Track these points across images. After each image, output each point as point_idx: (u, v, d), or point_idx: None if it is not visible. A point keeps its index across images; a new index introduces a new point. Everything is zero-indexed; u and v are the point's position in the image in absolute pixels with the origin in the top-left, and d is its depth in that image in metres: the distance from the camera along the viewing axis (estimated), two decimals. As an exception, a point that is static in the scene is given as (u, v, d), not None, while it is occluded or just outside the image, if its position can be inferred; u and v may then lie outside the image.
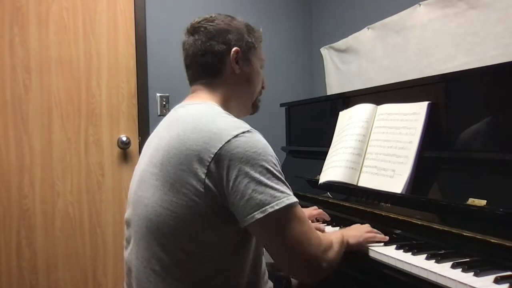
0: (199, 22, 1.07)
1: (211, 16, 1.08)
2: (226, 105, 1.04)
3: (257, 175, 0.85)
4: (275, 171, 0.88)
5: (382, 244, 1.11)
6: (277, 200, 0.85)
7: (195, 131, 0.90)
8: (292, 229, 0.86)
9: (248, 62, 1.08)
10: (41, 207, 2.08)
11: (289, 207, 0.86)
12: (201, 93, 1.05)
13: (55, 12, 2.10)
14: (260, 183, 0.85)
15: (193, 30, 1.06)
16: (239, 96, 1.09)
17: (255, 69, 1.10)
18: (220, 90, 1.05)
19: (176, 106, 1.06)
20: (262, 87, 1.17)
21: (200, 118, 0.94)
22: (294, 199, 0.88)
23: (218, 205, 0.88)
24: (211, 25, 1.05)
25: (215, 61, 1.04)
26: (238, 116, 1.00)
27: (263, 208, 0.84)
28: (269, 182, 0.85)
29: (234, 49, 1.04)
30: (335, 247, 0.95)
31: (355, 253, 1.09)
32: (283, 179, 0.90)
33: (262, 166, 0.86)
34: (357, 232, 1.12)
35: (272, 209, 0.84)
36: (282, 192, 0.86)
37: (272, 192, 0.85)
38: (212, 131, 0.88)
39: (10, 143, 2.03)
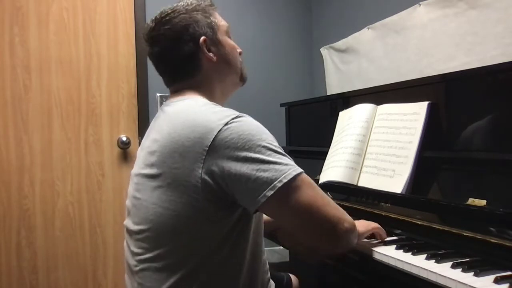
0: (153, 29, 1.03)
1: (162, 18, 1.02)
2: (211, 93, 1.04)
3: (257, 155, 0.85)
4: (273, 147, 0.87)
5: (382, 244, 1.11)
6: (284, 173, 0.84)
7: (185, 127, 0.89)
8: (305, 195, 0.86)
9: (218, 42, 1.05)
10: (41, 207, 2.08)
11: (297, 176, 0.86)
12: (185, 89, 1.04)
13: (55, 12, 2.10)
14: (263, 161, 0.84)
15: (152, 40, 1.04)
16: (223, 79, 1.08)
17: (227, 44, 1.08)
18: (204, 82, 1.05)
19: (162, 106, 1.05)
20: (240, 53, 1.13)
21: (187, 113, 0.93)
22: (299, 169, 0.87)
23: (216, 198, 0.88)
24: (168, 29, 1.01)
25: (191, 61, 1.03)
26: (227, 96, 1.00)
27: (272, 185, 0.83)
28: (271, 159, 0.85)
29: (201, 40, 1.02)
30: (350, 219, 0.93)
31: (355, 253, 1.09)
32: (283, 152, 0.89)
33: (259, 145, 0.86)
34: (364, 222, 1.11)
35: (281, 183, 0.83)
36: (286, 164, 0.86)
37: (277, 167, 0.85)
38: (201, 124, 0.88)
39: (10, 143, 2.03)
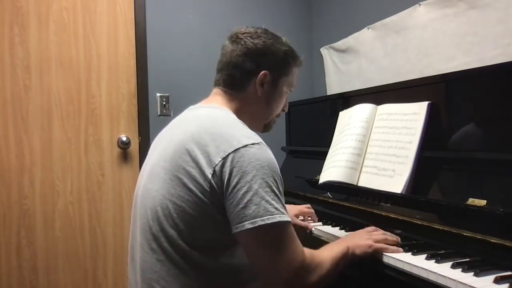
0: (243, 34, 1.07)
1: (256, 32, 1.08)
2: (238, 116, 1.06)
3: (255, 187, 0.87)
4: (274, 187, 0.89)
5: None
6: (269, 215, 0.86)
7: (208, 133, 0.92)
8: (274, 248, 0.87)
9: (274, 87, 1.09)
10: (41, 207, 2.08)
11: (279, 224, 0.87)
12: (219, 98, 1.08)
13: (55, 12, 2.10)
14: (257, 194, 0.86)
15: (234, 39, 1.07)
16: (253, 115, 1.10)
17: (279, 93, 1.11)
18: (237, 102, 1.08)
19: (191, 107, 1.09)
20: (283, 110, 1.19)
21: (215, 122, 0.97)
22: (286, 218, 0.88)
23: (221, 205, 0.90)
24: (251, 42, 1.05)
25: (242, 77, 1.06)
26: None
27: (254, 220, 0.85)
28: (265, 196, 0.87)
29: (262, 72, 1.05)
30: (324, 268, 0.94)
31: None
32: (281, 197, 0.91)
33: (263, 179, 0.88)
34: (365, 241, 1.06)
35: (263, 223, 0.85)
36: (276, 208, 0.87)
37: (267, 206, 0.86)
38: (224, 137, 0.91)
39: (10, 143, 2.03)
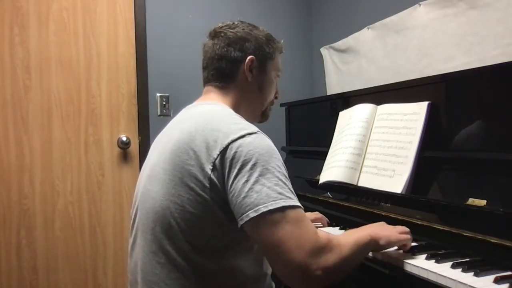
0: (221, 27, 1.09)
1: (233, 23, 1.10)
2: (235, 109, 1.06)
3: (255, 175, 0.85)
4: (276, 173, 0.87)
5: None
6: (272, 200, 0.84)
7: (206, 129, 0.92)
8: (282, 231, 0.82)
9: (262, 71, 1.10)
10: (41, 207, 2.08)
11: (284, 208, 0.84)
12: (213, 94, 1.09)
13: (55, 12, 2.10)
14: (258, 182, 0.85)
15: (214, 34, 1.10)
16: (249, 103, 1.11)
17: (269, 78, 1.12)
18: (231, 94, 1.08)
19: (188, 106, 1.10)
20: (275, 97, 1.19)
21: (211, 117, 0.97)
22: (292, 202, 0.85)
23: (223, 201, 0.89)
24: (231, 32, 1.07)
25: (230, 67, 1.07)
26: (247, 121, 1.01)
27: (257, 207, 0.83)
28: (267, 182, 0.85)
29: (249, 57, 1.06)
30: (344, 251, 0.88)
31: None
32: (285, 181, 0.88)
33: (263, 166, 0.86)
34: (389, 232, 1.04)
35: (266, 209, 0.83)
36: (279, 193, 0.85)
37: (269, 192, 0.84)
38: (221, 130, 0.91)
39: (10, 143, 2.03)
